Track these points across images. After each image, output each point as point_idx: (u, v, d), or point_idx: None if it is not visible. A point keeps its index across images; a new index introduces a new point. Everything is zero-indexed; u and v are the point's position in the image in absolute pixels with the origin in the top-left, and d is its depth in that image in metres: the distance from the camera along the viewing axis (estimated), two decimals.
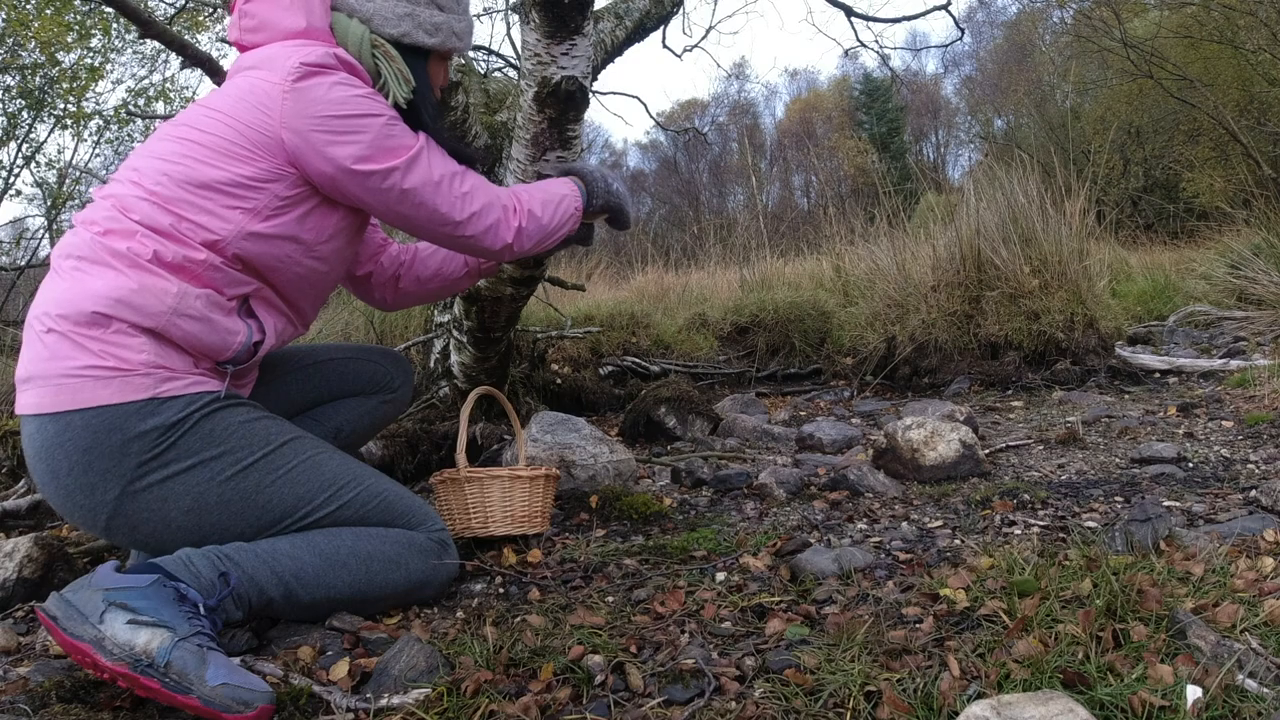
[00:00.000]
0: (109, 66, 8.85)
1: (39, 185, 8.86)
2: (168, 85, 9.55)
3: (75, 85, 7.99)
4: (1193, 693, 0.90)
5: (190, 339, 1.29)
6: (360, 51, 1.44)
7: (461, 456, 1.73)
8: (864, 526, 1.81)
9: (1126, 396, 3.42)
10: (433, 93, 1.60)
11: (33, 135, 8.73)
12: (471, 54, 3.69)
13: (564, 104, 1.94)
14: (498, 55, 4.55)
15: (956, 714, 0.92)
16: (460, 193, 1.44)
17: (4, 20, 7.29)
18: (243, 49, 1.48)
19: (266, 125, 1.32)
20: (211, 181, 1.30)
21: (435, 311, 3.13)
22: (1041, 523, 1.72)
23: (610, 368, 4.41)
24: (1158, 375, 3.77)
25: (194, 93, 9.73)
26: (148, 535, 1.32)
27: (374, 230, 1.77)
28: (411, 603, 1.46)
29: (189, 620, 1.12)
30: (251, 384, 1.55)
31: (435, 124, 1.55)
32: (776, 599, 1.37)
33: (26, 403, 1.27)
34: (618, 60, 3.07)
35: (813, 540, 1.70)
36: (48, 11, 7.29)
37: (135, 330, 1.25)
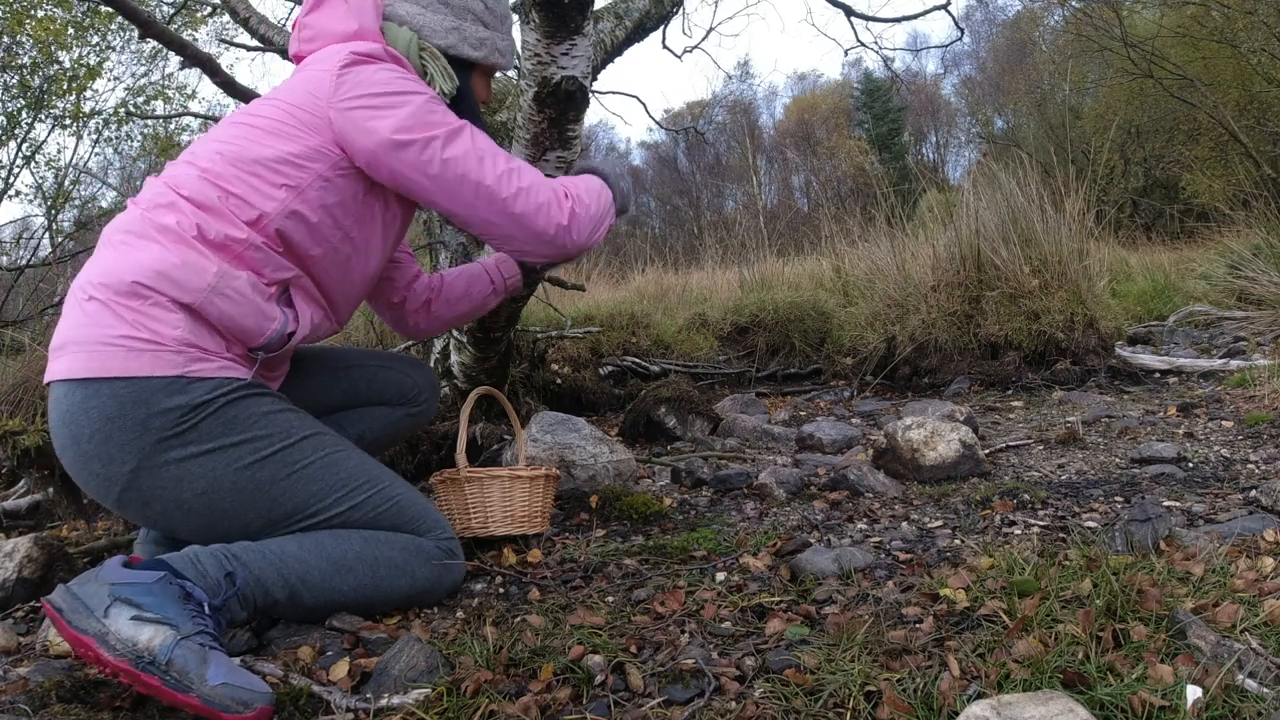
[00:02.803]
0: (108, 65, 8.85)
1: (38, 186, 8.86)
2: (166, 84, 9.55)
3: (74, 84, 7.99)
4: (1193, 693, 0.90)
5: (226, 320, 1.30)
6: (409, 52, 1.50)
7: (461, 456, 1.73)
8: (864, 526, 1.81)
9: (1126, 396, 3.42)
10: (476, 107, 1.63)
11: (32, 135, 8.73)
12: None
13: (564, 104, 1.94)
14: None
15: (956, 714, 0.92)
16: (507, 168, 1.42)
17: (2, 18, 7.29)
18: (299, 60, 1.54)
19: (315, 106, 1.37)
20: (260, 158, 1.34)
21: None
22: (1041, 523, 1.72)
23: (610, 368, 4.41)
24: (1158, 375, 3.77)
25: (193, 91, 9.73)
26: (159, 513, 1.31)
27: (410, 259, 1.81)
28: (415, 606, 1.46)
29: (193, 619, 1.12)
30: (282, 377, 1.56)
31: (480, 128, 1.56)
32: (776, 599, 1.37)
33: (58, 369, 1.28)
34: (617, 60, 3.07)
35: (813, 540, 1.70)
36: (42, 12, 7.29)
37: (173, 305, 1.26)
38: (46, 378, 1.32)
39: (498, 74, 1.83)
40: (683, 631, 1.26)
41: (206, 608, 1.17)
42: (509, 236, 1.45)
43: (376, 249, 1.51)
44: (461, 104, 1.55)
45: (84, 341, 1.26)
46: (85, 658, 1.08)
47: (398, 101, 1.36)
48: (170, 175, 1.36)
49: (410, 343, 3.32)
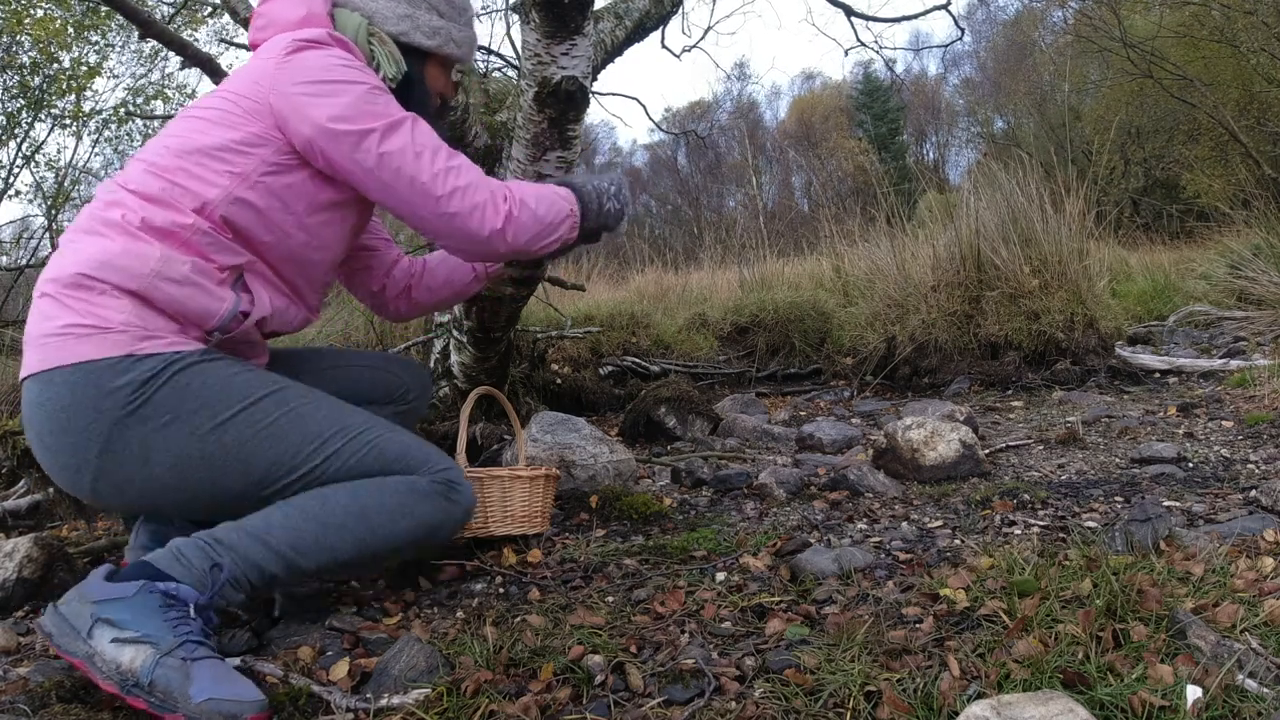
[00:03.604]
0: (108, 64, 8.85)
1: (38, 185, 8.85)
2: (165, 84, 9.55)
3: (74, 83, 7.98)
4: (1193, 693, 0.90)
5: (174, 303, 1.28)
6: (357, 37, 1.49)
7: (462, 456, 1.73)
8: (864, 526, 1.81)
9: (1126, 396, 3.42)
10: (430, 96, 1.61)
11: (32, 134, 8.73)
12: None
13: (564, 104, 1.94)
14: (498, 55, 4.55)
15: (956, 714, 0.92)
16: (444, 166, 1.39)
17: (2, 18, 7.28)
18: (255, 48, 1.52)
19: (257, 93, 1.36)
20: (203, 147, 1.33)
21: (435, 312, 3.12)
22: (1041, 523, 1.72)
23: (610, 368, 4.41)
24: (1158, 375, 3.77)
25: (193, 91, 9.73)
26: (135, 496, 1.30)
27: (388, 245, 1.79)
28: (429, 543, 1.41)
29: (174, 629, 1.11)
30: (260, 365, 1.55)
31: (431, 122, 1.54)
32: (776, 599, 1.37)
33: (23, 369, 1.30)
34: (617, 60, 3.07)
35: (813, 540, 1.70)
36: (42, 11, 7.29)
37: (118, 292, 1.25)
38: (19, 378, 1.33)
39: (496, 74, 1.82)
40: (683, 631, 1.26)
41: (192, 608, 1.16)
42: (441, 234, 1.43)
43: (335, 236, 1.49)
44: (409, 91, 1.52)
45: (36, 337, 1.27)
46: (91, 678, 1.10)
47: (337, 89, 1.35)
48: (120, 174, 1.37)
49: (411, 343, 3.31)
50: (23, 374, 1.29)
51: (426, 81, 1.59)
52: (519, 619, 1.35)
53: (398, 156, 1.36)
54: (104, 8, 7.02)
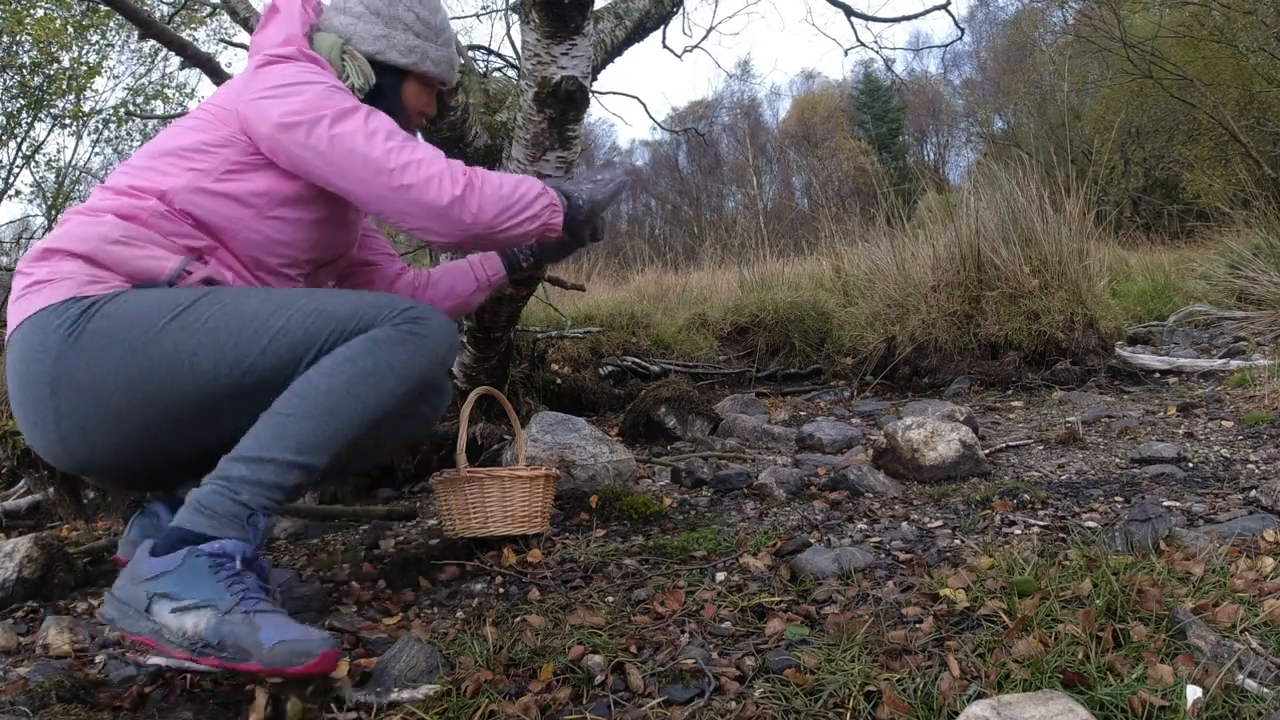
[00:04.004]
0: (108, 64, 8.85)
1: (38, 185, 8.86)
2: (165, 84, 9.55)
3: (74, 83, 7.99)
4: (1193, 693, 0.90)
5: (120, 263, 1.31)
6: (330, 55, 1.55)
7: (462, 456, 1.73)
8: (864, 526, 1.81)
9: (1126, 396, 3.42)
10: (406, 111, 1.63)
11: (32, 134, 8.73)
12: (471, 54, 3.69)
13: (564, 104, 1.94)
14: (498, 55, 4.55)
15: (956, 714, 0.92)
16: (398, 144, 1.39)
17: (2, 18, 7.28)
18: None
19: (228, 101, 1.45)
20: (172, 148, 1.41)
21: None
22: (1041, 523, 1.72)
23: (610, 368, 4.42)
24: (1158, 375, 3.77)
25: (193, 90, 9.73)
26: (100, 436, 1.28)
27: (390, 260, 1.81)
28: (427, 385, 1.38)
29: (229, 589, 1.12)
30: None
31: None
32: (776, 599, 1.37)
33: None
34: (617, 60, 3.07)
35: (813, 540, 1.70)
36: (41, 11, 7.29)
37: (70, 256, 1.31)
38: None
39: (496, 74, 1.82)
40: (683, 631, 1.27)
41: (239, 561, 1.16)
42: (402, 213, 1.40)
43: (299, 234, 1.49)
44: (378, 105, 1.53)
45: (9, 311, 1.33)
46: (161, 651, 1.12)
47: (295, 90, 1.41)
48: (108, 179, 1.47)
49: None
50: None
51: (403, 99, 1.64)
52: (519, 619, 1.35)
53: (349, 138, 1.38)
54: (104, 8, 7.02)
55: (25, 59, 7.97)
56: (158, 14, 5.53)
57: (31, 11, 7.35)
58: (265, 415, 1.25)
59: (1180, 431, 2.59)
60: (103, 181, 1.47)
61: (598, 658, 1.15)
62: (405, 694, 1.09)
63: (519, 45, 1.92)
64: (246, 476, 1.21)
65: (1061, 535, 1.62)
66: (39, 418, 1.29)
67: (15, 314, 1.31)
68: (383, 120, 1.42)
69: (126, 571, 1.16)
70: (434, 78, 1.66)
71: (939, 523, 1.80)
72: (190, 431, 1.30)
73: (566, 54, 1.90)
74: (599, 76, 3.16)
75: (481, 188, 1.42)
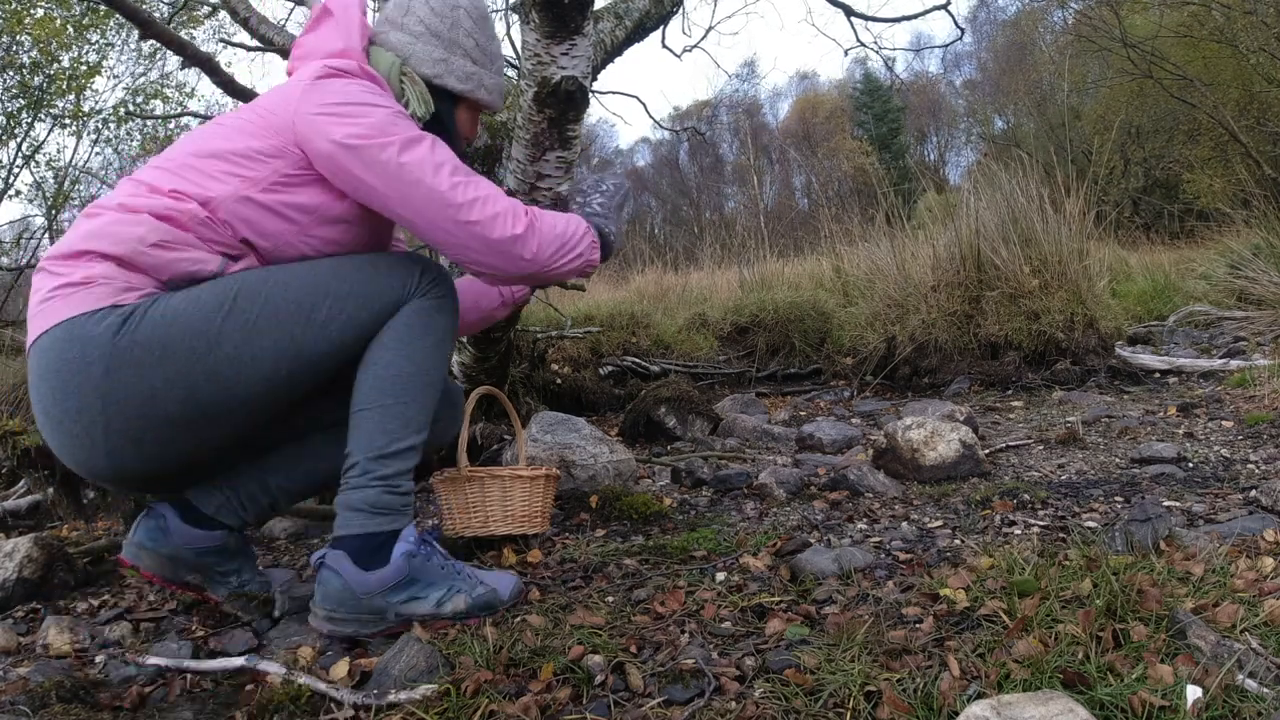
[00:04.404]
0: (107, 63, 8.85)
1: (38, 185, 8.85)
2: (165, 83, 9.55)
3: (74, 83, 7.98)
4: (1193, 693, 0.90)
5: (158, 267, 1.29)
6: (389, 74, 1.52)
7: (463, 456, 1.73)
8: (864, 526, 1.81)
9: (1126, 396, 3.42)
10: (458, 138, 1.63)
11: (32, 135, 8.73)
12: None
13: (564, 104, 1.94)
14: None
15: (956, 714, 0.92)
16: (464, 179, 1.40)
17: (2, 18, 7.28)
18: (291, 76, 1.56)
19: (283, 110, 1.39)
20: (220, 151, 1.36)
21: None
22: (1041, 523, 1.72)
23: (610, 368, 4.42)
24: (1158, 375, 3.77)
25: (192, 90, 9.72)
26: (158, 445, 1.29)
27: None
28: (445, 396, 1.58)
29: (457, 573, 1.40)
30: None
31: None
32: (776, 599, 1.37)
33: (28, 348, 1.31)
34: (617, 60, 3.07)
35: (813, 540, 1.70)
36: (41, 11, 7.29)
37: (103, 257, 1.27)
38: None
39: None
40: (683, 631, 1.27)
41: (422, 540, 1.40)
42: (463, 246, 1.41)
43: (339, 249, 1.48)
44: (437, 132, 1.52)
45: (30, 311, 1.29)
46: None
47: (360, 111, 1.37)
48: (137, 172, 1.40)
49: None
50: (28, 351, 1.30)
51: (456, 124, 1.62)
52: (519, 619, 1.35)
53: (416, 168, 1.36)
54: (104, 8, 7.01)
55: (25, 59, 7.97)
56: (158, 14, 5.53)
57: (31, 11, 7.35)
58: (379, 408, 1.36)
59: (1180, 431, 2.59)
60: (125, 174, 1.41)
61: (598, 658, 1.15)
62: (405, 694, 1.09)
63: (519, 45, 1.92)
64: (400, 469, 1.37)
65: (1061, 535, 1.62)
66: (81, 429, 1.25)
67: (45, 316, 1.26)
68: (447, 152, 1.41)
69: (336, 590, 1.31)
70: (486, 105, 1.65)
71: (939, 523, 1.80)
72: (234, 428, 1.34)
73: (566, 54, 1.90)
74: (599, 76, 3.16)
75: (540, 227, 1.44)
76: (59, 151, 13.76)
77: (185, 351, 1.26)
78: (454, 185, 1.38)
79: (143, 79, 9.55)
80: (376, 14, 1.90)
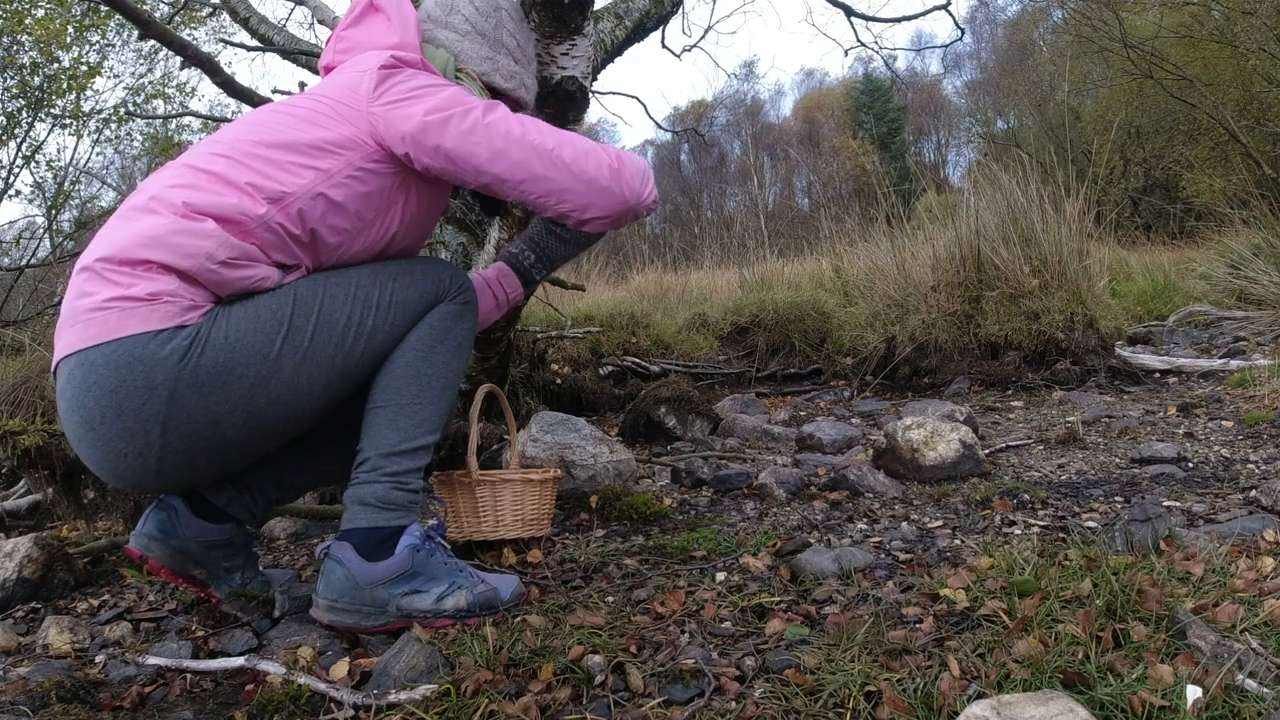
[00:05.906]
0: (108, 63, 8.85)
1: (38, 185, 8.85)
2: (165, 83, 9.54)
3: (74, 83, 7.98)
4: (1193, 693, 0.90)
5: (222, 284, 1.26)
6: (445, 71, 1.52)
7: (472, 459, 1.72)
8: (864, 526, 1.81)
9: (1126, 396, 3.42)
10: None
11: (32, 135, 8.72)
12: None
13: (564, 104, 1.94)
14: None
15: (956, 714, 0.92)
16: (548, 126, 1.41)
17: (2, 18, 7.28)
18: (329, 71, 1.55)
19: (354, 101, 1.38)
20: (291, 142, 1.33)
21: None
22: (1041, 523, 1.72)
23: (610, 368, 4.41)
24: (1158, 375, 3.77)
25: (193, 89, 9.72)
26: (209, 463, 1.30)
27: None
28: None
29: (459, 570, 1.39)
30: None
31: None
32: (776, 599, 1.37)
33: (59, 350, 1.25)
34: (617, 60, 3.07)
35: (813, 540, 1.70)
36: (42, 11, 7.29)
37: (166, 270, 1.23)
38: (53, 363, 1.28)
39: None
40: (683, 631, 1.27)
41: (427, 535, 1.39)
42: (566, 190, 1.39)
43: (394, 249, 1.50)
44: None
45: (77, 314, 1.23)
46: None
47: (433, 90, 1.38)
48: (189, 155, 1.34)
49: None
50: (61, 354, 1.24)
51: None
52: (519, 619, 1.35)
53: (503, 124, 1.38)
54: (104, 8, 7.02)
55: (25, 59, 7.96)
56: (158, 14, 5.53)
57: (32, 11, 7.34)
58: (394, 406, 1.38)
59: (1180, 431, 2.59)
60: (125, 174, 1.39)
61: (598, 658, 1.15)
62: (405, 694, 1.09)
63: None
64: (411, 467, 1.38)
65: (1061, 535, 1.62)
66: (133, 450, 1.23)
67: (98, 327, 1.20)
68: (526, 115, 1.44)
69: (339, 579, 1.31)
70: (524, 104, 1.67)
71: (939, 523, 1.80)
72: (281, 441, 1.36)
73: (566, 54, 1.90)
74: (599, 76, 3.16)
75: (628, 163, 1.44)
76: (59, 151, 13.76)
77: (248, 378, 1.26)
78: (541, 132, 1.40)
79: (144, 79, 9.55)
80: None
